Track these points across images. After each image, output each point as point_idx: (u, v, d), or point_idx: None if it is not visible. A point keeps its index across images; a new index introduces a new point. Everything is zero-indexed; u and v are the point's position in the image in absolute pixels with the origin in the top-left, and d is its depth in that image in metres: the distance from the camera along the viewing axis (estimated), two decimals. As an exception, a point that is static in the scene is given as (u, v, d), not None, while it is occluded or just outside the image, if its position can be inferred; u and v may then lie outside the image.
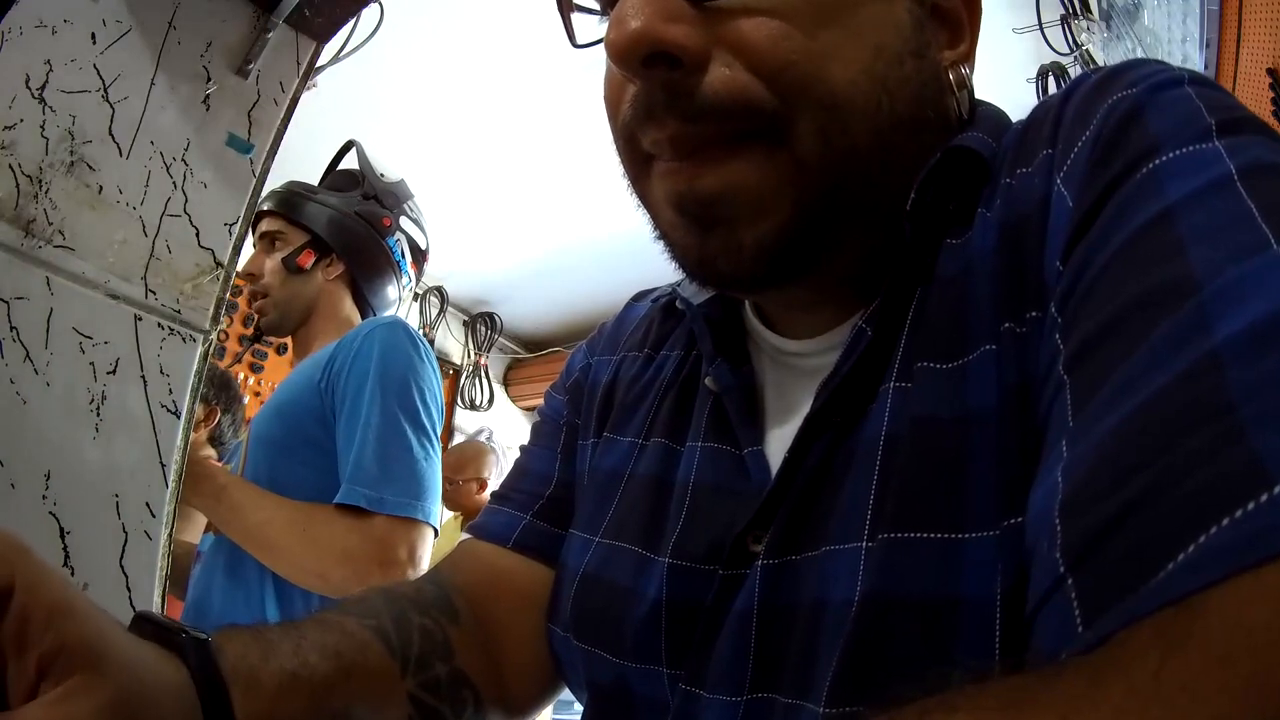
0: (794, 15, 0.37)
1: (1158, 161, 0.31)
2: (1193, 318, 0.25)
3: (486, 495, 2.93)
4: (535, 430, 0.63)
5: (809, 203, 0.39)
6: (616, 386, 0.57)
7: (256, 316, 1.42)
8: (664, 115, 0.38)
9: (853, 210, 0.40)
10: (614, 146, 0.44)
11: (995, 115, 0.46)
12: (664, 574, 0.44)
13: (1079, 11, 1.81)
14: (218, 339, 1.25)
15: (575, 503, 0.56)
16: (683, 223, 0.41)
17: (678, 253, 0.43)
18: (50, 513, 1.00)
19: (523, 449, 0.62)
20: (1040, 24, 1.82)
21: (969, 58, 0.46)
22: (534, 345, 4.20)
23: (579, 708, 0.52)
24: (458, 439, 3.94)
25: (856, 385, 0.41)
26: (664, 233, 0.44)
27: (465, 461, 2.91)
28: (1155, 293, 0.27)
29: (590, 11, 0.46)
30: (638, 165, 0.43)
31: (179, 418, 1.15)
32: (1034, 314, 0.35)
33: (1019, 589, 0.30)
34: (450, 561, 0.58)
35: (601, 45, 0.41)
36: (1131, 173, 0.32)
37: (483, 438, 3.97)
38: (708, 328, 0.49)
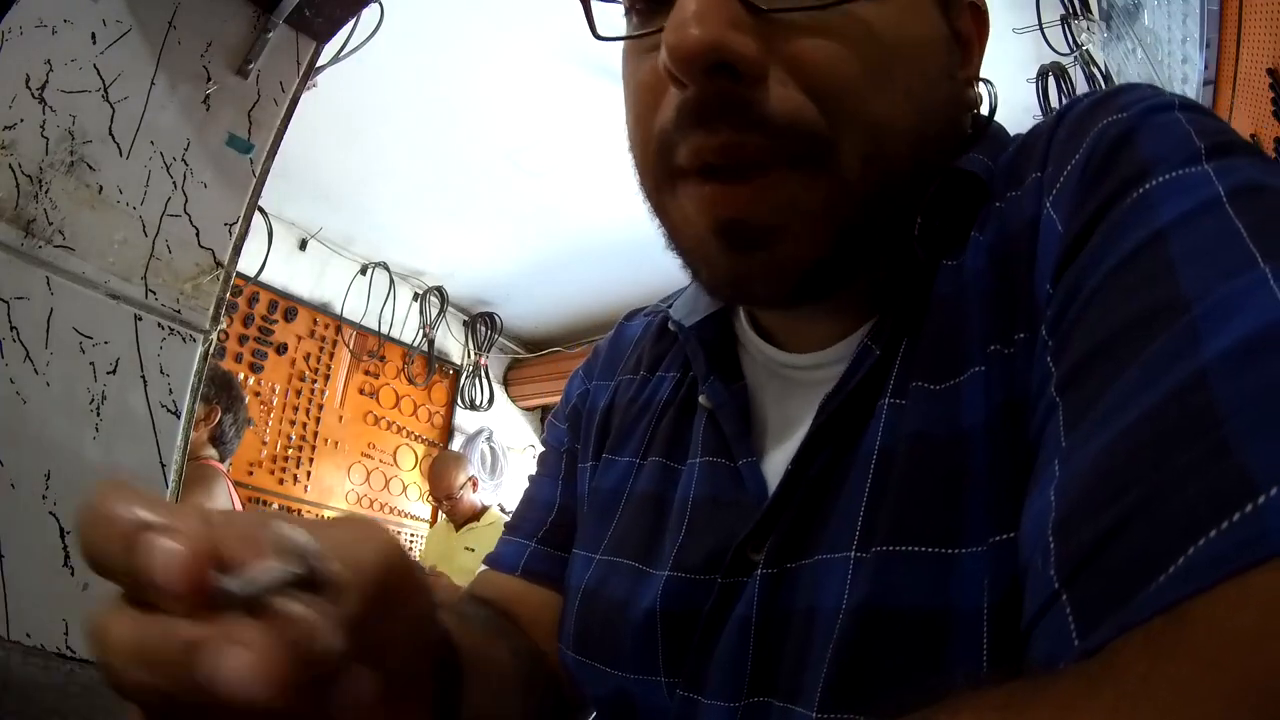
0: (849, 37, 0.37)
1: (1149, 185, 0.32)
2: (1183, 335, 0.25)
3: (478, 490, 3.03)
4: (540, 459, 0.64)
5: (850, 224, 0.38)
6: (614, 410, 0.58)
7: None
8: (716, 122, 0.37)
9: (886, 229, 0.40)
10: (630, 149, 0.43)
11: (996, 135, 0.46)
12: (660, 585, 0.45)
13: (1079, 11, 1.81)
14: (218, 339, 1.25)
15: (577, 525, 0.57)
16: (718, 244, 0.39)
17: (705, 272, 0.42)
18: (50, 513, 1.01)
19: (530, 479, 0.64)
20: (1040, 24, 1.82)
21: (977, 76, 0.46)
22: (534, 345, 4.20)
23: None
24: (458, 439, 3.94)
25: (855, 401, 0.41)
26: (687, 248, 0.42)
27: (451, 474, 2.95)
28: (1146, 314, 0.27)
29: (613, 0, 0.44)
30: (664, 176, 0.41)
31: (179, 418, 1.15)
32: (1022, 335, 0.36)
33: (1006, 603, 0.31)
34: (470, 594, 0.59)
35: (620, 40, 0.42)
36: (1122, 196, 0.32)
37: (482, 438, 3.98)
38: (701, 348, 0.50)
